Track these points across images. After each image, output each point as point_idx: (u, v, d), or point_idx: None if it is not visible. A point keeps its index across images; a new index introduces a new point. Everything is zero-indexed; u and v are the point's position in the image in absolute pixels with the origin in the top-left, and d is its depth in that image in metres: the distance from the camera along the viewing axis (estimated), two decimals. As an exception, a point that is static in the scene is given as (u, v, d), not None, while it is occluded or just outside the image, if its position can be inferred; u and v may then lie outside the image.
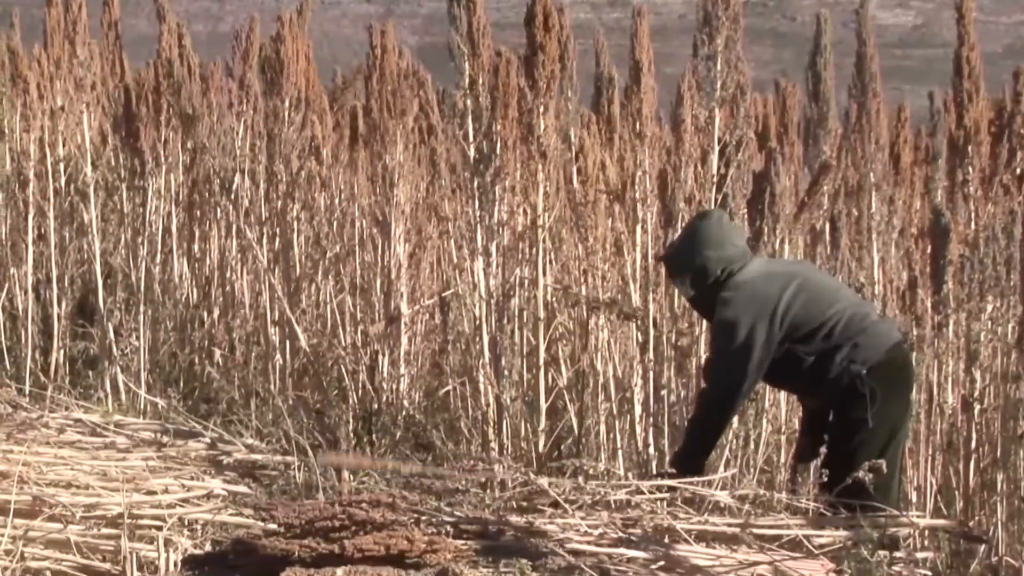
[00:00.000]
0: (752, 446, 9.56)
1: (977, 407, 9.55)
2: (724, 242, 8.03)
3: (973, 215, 9.68)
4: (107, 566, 7.24)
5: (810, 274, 8.64)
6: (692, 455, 7.97)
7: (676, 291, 9.13)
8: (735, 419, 8.83)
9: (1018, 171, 9.40)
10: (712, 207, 9.72)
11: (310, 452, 9.66)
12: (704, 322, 8.85)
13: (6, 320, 13.10)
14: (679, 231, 8.88)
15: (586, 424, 10.36)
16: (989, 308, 9.58)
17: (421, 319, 11.47)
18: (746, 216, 10.12)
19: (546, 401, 10.49)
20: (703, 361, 8.67)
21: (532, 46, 9.99)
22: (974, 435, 9.57)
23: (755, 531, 6.82)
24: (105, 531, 7.72)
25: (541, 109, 10.12)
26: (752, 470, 9.09)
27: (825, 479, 7.25)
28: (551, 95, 10.17)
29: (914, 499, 9.46)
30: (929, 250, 9.79)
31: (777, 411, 9.88)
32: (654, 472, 8.75)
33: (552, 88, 10.25)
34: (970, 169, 9.75)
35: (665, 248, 8.93)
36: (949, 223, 9.59)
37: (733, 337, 7.80)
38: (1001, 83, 9.65)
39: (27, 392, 11.57)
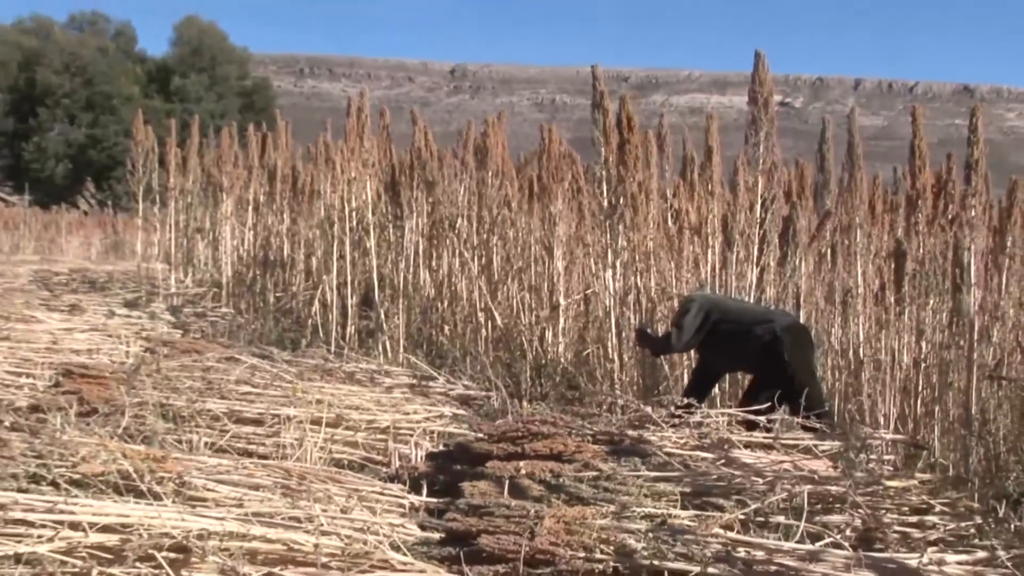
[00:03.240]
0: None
1: (923, 365, 9.60)
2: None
3: (921, 244, 9.63)
4: (380, 458, 7.33)
5: (742, 300, 9.74)
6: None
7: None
8: None
9: (949, 217, 9.35)
10: (755, 244, 10.08)
11: (502, 389, 9.72)
12: None
13: (320, 307, 13.27)
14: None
15: (675, 373, 10.34)
16: (931, 303, 9.64)
17: (572, 308, 11.47)
18: (778, 244, 10.17)
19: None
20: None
21: (622, 139, 10.04)
22: (920, 382, 9.59)
23: (782, 442, 6.81)
24: (378, 436, 7.84)
25: (638, 178, 10.22)
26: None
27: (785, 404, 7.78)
28: (638, 170, 10.22)
29: (882, 422, 9.45)
30: (893, 266, 9.83)
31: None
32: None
33: (638, 166, 10.33)
34: (920, 216, 9.72)
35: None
36: (906, 249, 9.71)
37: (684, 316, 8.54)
38: (938, 163, 9.63)
39: (332, 351, 11.71)
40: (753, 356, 8.37)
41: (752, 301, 9.70)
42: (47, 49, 68.24)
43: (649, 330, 9.47)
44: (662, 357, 9.98)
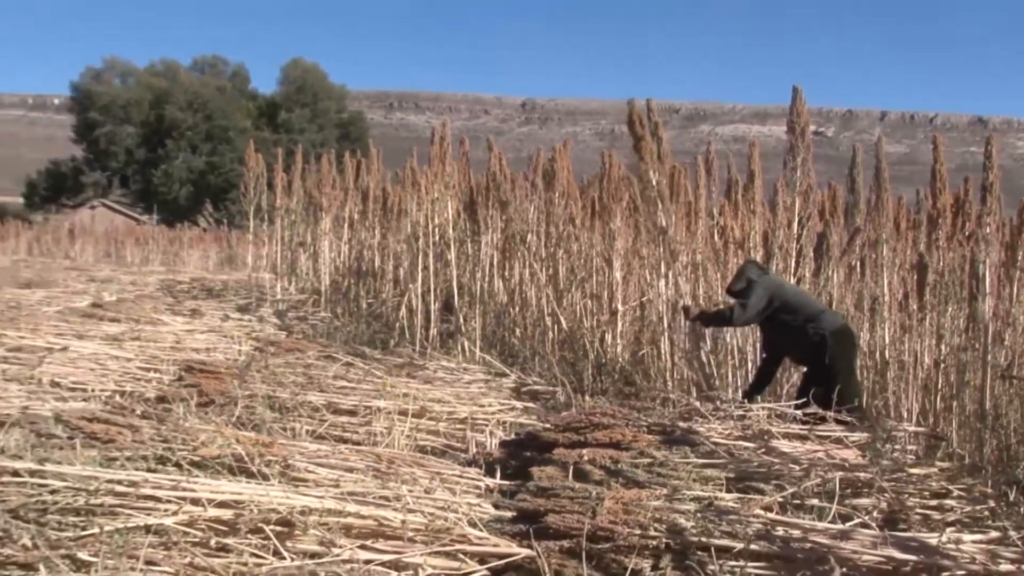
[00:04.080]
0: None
1: (942, 365, 9.51)
2: (754, 268, 8.78)
3: (941, 258, 9.54)
4: (459, 445, 7.32)
5: (804, 291, 9.39)
6: (758, 390, 8.84)
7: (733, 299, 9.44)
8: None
9: (967, 234, 9.27)
10: (793, 257, 10.12)
11: (567, 385, 9.68)
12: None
13: (406, 312, 13.29)
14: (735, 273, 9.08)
15: (721, 371, 10.26)
16: (949, 310, 9.56)
17: (629, 313, 11.42)
18: (813, 257, 10.10)
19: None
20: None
21: (662, 162, 10.09)
22: (940, 381, 9.49)
23: (816, 433, 6.74)
24: (457, 426, 7.83)
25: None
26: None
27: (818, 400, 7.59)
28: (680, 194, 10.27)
29: (905, 416, 9.38)
30: (916, 277, 9.79)
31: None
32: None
33: (679, 188, 10.49)
34: (940, 232, 9.63)
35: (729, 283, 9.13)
36: (927, 262, 9.70)
37: (750, 299, 8.41)
38: (955, 186, 9.56)
39: (416, 351, 11.72)
40: (801, 351, 8.36)
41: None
42: (174, 89, 69.38)
43: (694, 308, 9.41)
44: (703, 354, 9.93)
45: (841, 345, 8.19)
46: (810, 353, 8.22)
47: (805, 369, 8.64)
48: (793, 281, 9.79)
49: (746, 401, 8.16)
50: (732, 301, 8.72)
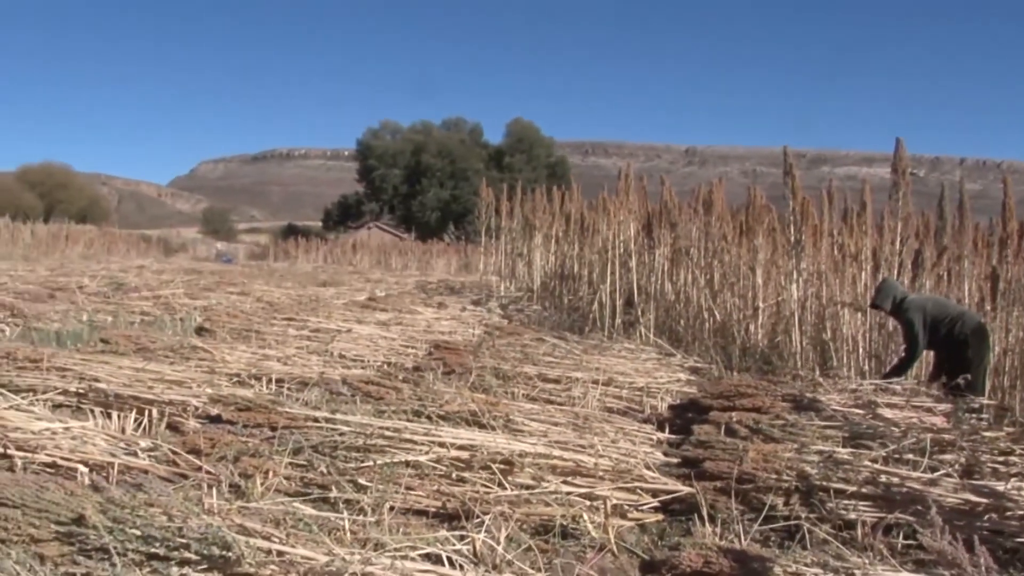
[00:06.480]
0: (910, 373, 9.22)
1: (1009, 353, 9.28)
2: (896, 287, 8.25)
3: (1009, 270, 9.24)
4: (637, 407, 7.29)
5: (937, 297, 8.78)
6: (893, 376, 8.00)
7: (872, 311, 9.22)
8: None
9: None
10: (895, 268, 9.92)
11: (719, 363, 9.58)
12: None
13: (597, 306, 13.23)
14: (876, 286, 8.70)
15: (839, 354, 9.99)
16: (1015, 311, 9.38)
17: (767, 310, 11.20)
18: (910, 268, 9.77)
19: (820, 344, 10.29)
20: (904, 341, 8.36)
21: (794, 195, 9.89)
22: (1007, 365, 9.25)
23: (912, 403, 6.52)
24: (636, 392, 7.80)
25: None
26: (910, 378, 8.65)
27: (951, 384, 7.24)
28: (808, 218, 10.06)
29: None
30: (990, 285, 9.51)
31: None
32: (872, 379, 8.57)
33: (808, 214, 10.42)
34: (1008, 251, 9.38)
35: (871, 297, 8.79)
36: (999, 274, 9.45)
37: (913, 327, 7.96)
38: (1020, 215, 9.39)
39: (605, 335, 11.75)
40: (947, 349, 7.98)
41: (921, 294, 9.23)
42: (428, 142, 71.03)
43: (883, 370, 9.05)
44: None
45: (978, 340, 7.89)
46: (955, 349, 7.88)
47: (934, 355, 8.32)
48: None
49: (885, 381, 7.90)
50: (872, 309, 8.78)
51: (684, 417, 6.69)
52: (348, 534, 3.65)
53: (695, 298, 12.22)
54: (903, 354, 8.36)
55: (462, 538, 3.67)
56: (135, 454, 4.69)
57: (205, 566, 3.13)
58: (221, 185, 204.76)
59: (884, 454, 4.95)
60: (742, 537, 4.20)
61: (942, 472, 4.63)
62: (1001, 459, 4.98)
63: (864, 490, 4.47)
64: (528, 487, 4.49)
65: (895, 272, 9.83)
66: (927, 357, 8.73)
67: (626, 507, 4.54)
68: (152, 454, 4.73)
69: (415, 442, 4.74)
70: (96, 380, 6.51)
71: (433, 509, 4.31)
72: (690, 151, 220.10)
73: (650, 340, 11.46)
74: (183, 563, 3.13)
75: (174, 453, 4.71)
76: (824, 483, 4.55)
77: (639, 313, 12.57)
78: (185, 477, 4.47)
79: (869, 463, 4.72)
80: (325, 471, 4.53)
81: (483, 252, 21.63)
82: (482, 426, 5.30)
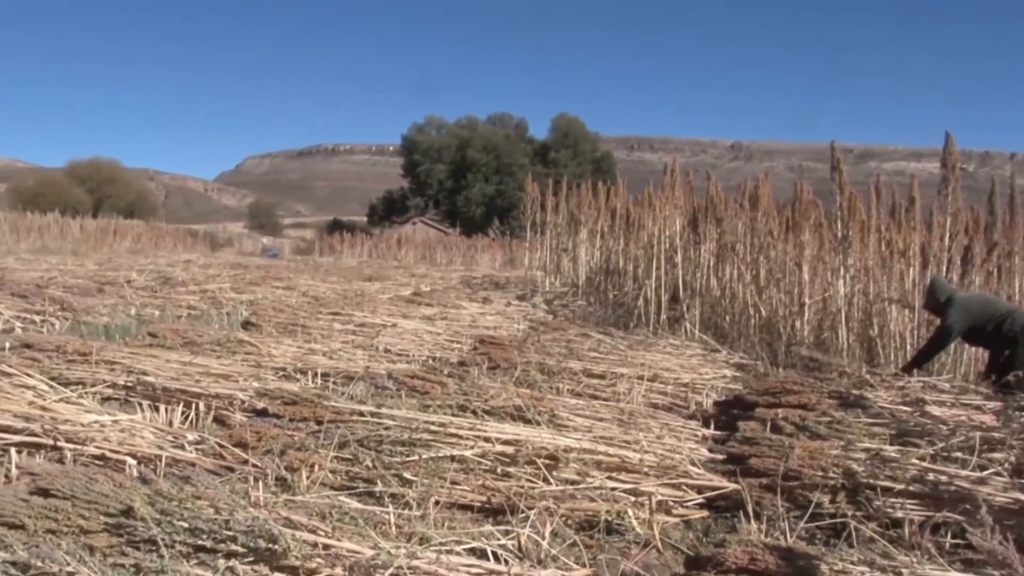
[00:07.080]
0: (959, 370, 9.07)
1: None
2: (944, 287, 8.15)
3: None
4: (682, 404, 7.27)
5: (985, 294, 8.67)
6: (917, 365, 8.12)
7: (920, 307, 9.17)
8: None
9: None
10: (944, 264, 9.86)
11: (765, 360, 9.52)
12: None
13: (643, 301, 13.19)
14: (926, 287, 8.55)
15: (886, 351, 9.88)
16: None
17: (814, 306, 11.08)
18: (960, 264, 9.64)
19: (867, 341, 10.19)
20: (936, 328, 8.20)
21: (842, 190, 9.84)
22: None
23: (961, 400, 6.44)
24: (681, 388, 7.78)
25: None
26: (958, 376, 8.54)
27: (1000, 381, 7.25)
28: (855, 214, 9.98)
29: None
30: None
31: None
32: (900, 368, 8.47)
33: (855, 210, 10.35)
34: None
35: (923, 296, 8.73)
36: None
37: (948, 319, 7.87)
38: None
39: (650, 331, 11.73)
40: (997, 345, 7.87)
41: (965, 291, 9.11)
42: (474, 137, 71.11)
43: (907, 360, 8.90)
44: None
45: None
46: (1004, 347, 7.78)
47: (988, 352, 8.23)
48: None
49: (904, 372, 7.85)
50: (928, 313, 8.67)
51: (729, 414, 6.65)
52: (393, 528, 3.68)
53: (741, 294, 12.13)
54: (927, 343, 8.38)
55: (507, 533, 3.69)
56: (182, 447, 4.77)
57: (251, 559, 3.17)
58: (267, 180, 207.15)
59: (932, 452, 4.89)
60: (788, 534, 4.17)
61: (991, 471, 4.56)
62: (1052, 459, 4.91)
63: (911, 488, 4.42)
64: (573, 482, 4.49)
65: (944, 269, 9.70)
66: (981, 355, 8.61)
67: (671, 503, 4.53)
68: (199, 447, 4.81)
69: (460, 436, 4.77)
70: (144, 373, 6.62)
71: (478, 504, 4.33)
72: (736, 146, 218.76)
73: (695, 336, 11.41)
74: (230, 555, 3.17)
75: (221, 446, 4.78)
76: (871, 481, 4.50)
77: (684, 309, 12.52)
78: (232, 470, 4.53)
79: (916, 461, 4.66)
80: (370, 465, 4.57)
81: (528, 247, 21.67)
82: (527, 421, 5.32)
